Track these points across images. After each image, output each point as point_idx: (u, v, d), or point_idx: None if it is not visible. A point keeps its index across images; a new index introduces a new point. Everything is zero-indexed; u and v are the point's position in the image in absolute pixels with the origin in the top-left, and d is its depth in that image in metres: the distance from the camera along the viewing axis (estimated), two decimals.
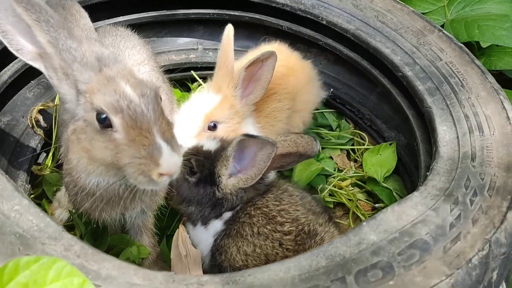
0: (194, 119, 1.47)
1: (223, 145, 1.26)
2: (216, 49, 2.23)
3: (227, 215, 1.25)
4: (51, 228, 0.94)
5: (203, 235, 1.28)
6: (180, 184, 1.29)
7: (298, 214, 1.21)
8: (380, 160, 1.84)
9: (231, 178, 1.23)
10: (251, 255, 1.16)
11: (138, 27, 1.96)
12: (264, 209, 1.21)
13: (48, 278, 0.74)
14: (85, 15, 1.22)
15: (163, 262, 1.50)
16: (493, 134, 1.32)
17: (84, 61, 0.99)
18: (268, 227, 1.18)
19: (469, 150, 1.29)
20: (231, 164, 1.21)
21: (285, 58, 1.75)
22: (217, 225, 1.26)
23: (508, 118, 1.36)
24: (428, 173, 1.26)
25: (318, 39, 2.02)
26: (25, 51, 1.01)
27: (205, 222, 1.27)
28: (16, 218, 0.94)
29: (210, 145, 1.29)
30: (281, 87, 1.68)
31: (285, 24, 2.05)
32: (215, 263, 1.25)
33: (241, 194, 1.24)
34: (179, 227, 1.60)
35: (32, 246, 0.90)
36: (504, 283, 1.41)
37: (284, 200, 1.25)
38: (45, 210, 1.65)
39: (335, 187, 1.82)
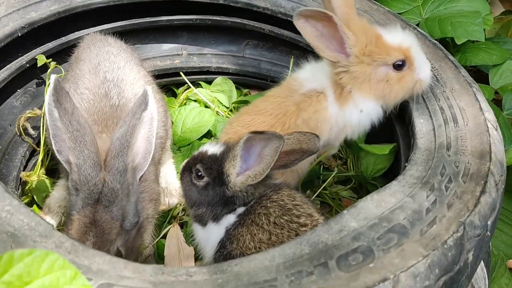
0: None
1: (229, 147, 1.32)
2: (200, 54, 2.28)
3: (241, 209, 1.30)
4: (41, 227, 0.97)
5: (214, 230, 1.32)
6: (188, 189, 1.35)
7: (312, 211, 1.28)
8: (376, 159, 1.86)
9: (239, 177, 1.28)
10: (266, 242, 1.21)
11: (122, 34, 2.00)
12: (280, 202, 1.28)
13: (41, 270, 0.77)
14: None
15: (154, 261, 1.53)
16: (467, 125, 1.38)
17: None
18: (285, 217, 1.24)
19: (444, 140, 1.35)
20: (238, 163, 1.27)
21: None
22: (230, 218, 1.30)
23: (481, 109, 1.42)
24: (406, 164, 1.31)
25: (299, 41, 2.08)
26: (61, 155, 1.26)
27: (218, 219, 1.31)
28: (7, 218, 0.97)
29: (214, 149, 1.35)
30: None
31: (266, 27, 2.10)
32: (222, 254, 1.29)
33: (251, 191, 1.30)
34: (173, 225, 1.64)
35: (24, 243, 0.93)
36: (485, 268, 1.46)
37: (297, 198, 1.31)
38: None
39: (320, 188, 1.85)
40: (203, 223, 1.34)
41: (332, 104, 1.52)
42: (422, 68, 1.48)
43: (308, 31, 1.42)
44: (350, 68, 1.46)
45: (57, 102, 1.22)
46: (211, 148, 1.35)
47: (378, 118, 1.56)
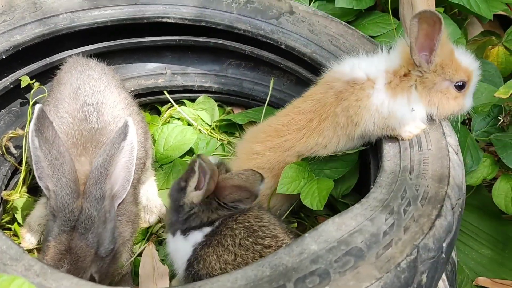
0: None
1: (217, 164, 1.38)
2: (183, 73, 2.34)
3: (207, 229, 1.35)
4: (12, 250, 1.01)
5: (182, 245, 1.37)
6: (173, 189, 1.42)
7: (277, 232, 1.33)
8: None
9: (194, 192, 1.33)
10: (231, 263, 1.27)
11: (107, 55, 2.06)
12: (246, 224, 1.33)
13: None
14: None
15: (131, 279, 1.57)
16: (429, 149, 1.44)
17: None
18: (250, 239, 1.29)
19: (408, 163, 1.41)
20: (196, 179, 1.31)
21: None
22: (197, 236, 1.35)
23: (443, 133, 1.48)
24: (372, 186, 1.37)
25: (279, 62, 2.14)
26: (42, 182, 1.32)
27: (185, 232, 1.36)
28: None
29: (211, 159, 1.37)
30: None
31: (247, 48, 2.16)
32: (190, 273, 1.33)
33: (207, 212, 1.34)
34: (148, 244, 1.68)
35: None
36: (449, 287, 1.52)
37: (264, 219, 1.36)
38: (16, 235, 1.71)
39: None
40: (173, 232, 1.39)
41: (378, 91, 1.53)
42: (470, 96, 1.58)
43: (414, 31, 1.42)
44: (425, 74, 1.51)
45: (38, 131, 1.29)
46: (212, 158, 1.40)
47: (422, 122, 1.55)
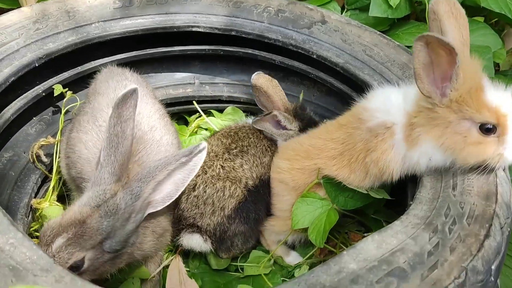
0: None
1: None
2: (212, 83, 2.33)
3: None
4: (43, 260, 0.99)
5: None
6: None
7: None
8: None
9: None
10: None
11: (136, 63, 2.06)
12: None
13: None
14: None
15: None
16: None
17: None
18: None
19: (450, 179, 1.33)
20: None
21: None
22: None
23: None
24: (411, 202, 1.30)
25: (309, 72, 2.10)
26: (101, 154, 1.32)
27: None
28: (10, 251, 0.99)
29: None
30: None
31: (277, 58, 2.13)
32: None
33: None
34: (175, 257, 1.64)
35: (24, 277, 0.95)
36: None
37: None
38: None
39: None
40: None
41: (398, 142, 1.41)
42: None
43: (421, 56, 1.24)
44: (436, 108, 1.30)
45: (117, 105, 1.31)
46: None
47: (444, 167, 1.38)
